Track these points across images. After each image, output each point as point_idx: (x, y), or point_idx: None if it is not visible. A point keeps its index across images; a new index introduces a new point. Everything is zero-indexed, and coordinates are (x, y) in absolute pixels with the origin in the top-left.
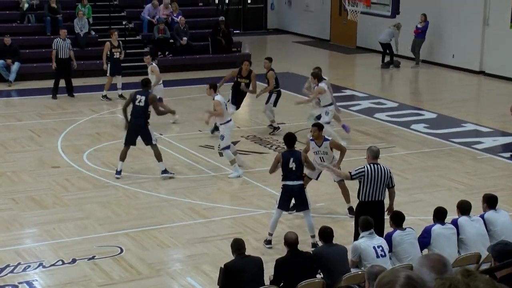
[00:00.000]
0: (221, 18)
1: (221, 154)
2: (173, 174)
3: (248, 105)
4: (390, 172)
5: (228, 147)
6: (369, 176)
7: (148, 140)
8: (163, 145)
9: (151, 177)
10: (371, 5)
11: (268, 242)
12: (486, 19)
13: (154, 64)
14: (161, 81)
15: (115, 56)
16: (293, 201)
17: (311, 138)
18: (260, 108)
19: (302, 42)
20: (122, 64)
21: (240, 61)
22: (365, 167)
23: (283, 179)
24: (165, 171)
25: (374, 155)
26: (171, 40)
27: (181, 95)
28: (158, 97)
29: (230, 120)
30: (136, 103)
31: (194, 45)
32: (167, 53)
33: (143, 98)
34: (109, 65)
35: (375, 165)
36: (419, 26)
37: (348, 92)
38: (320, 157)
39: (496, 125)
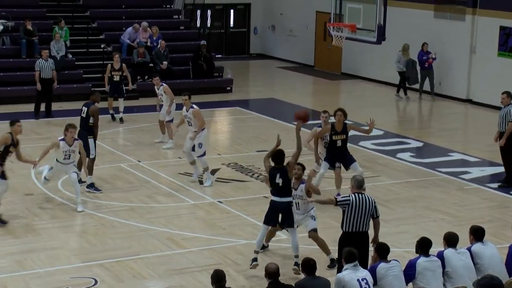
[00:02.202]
0: (203, 42)
1: (201, 182)
2: (101, 190)
3: (229, 131)
4: (374, 202)
5: (204, 155)
6: (354, 206)
7: (87, 151)
8: (142, 172)
9: (127, 205)
10: (357, 30)
11: (254, 259)
12: (473, 46)
13: (165, 84)
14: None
15: (114, 79)
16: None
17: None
18: (242, 136)
19: (286, 67)
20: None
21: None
22: (351, 196)
23: (271, 194)
24: (91, 185)
25: (358, 184)
26: (151, 64)
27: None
28: (169, 118)
29: (205, 128)
30: (81, 114)
31: (174, 70)
32: (146, 77)
33: (85, 109)
34: (109, 87)
35: (360, 195)
36: (433, 56)
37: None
38: (296, 202)
39: (483, 154)
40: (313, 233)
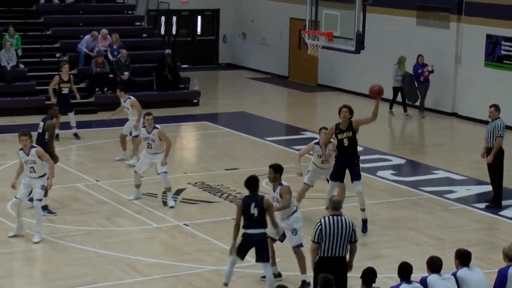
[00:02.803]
0: (167, 51)
1: (165, 203)
2: (55, 213)
3: (196, 148)
4: (353, 225)
5: (167, 172)
6: (327, 229)
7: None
8: (100, 193)
9: (84, 229)
10: (334, 39)
11: None
12: (458, 56)
13: (132, 97)
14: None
15: (63, 92)
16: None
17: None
18: (209, 152)
19: (258, 78)
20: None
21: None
22: (320, 221)
23: (244, 227)
24: (44, 207)
25: (334, 205)
26: (111, 75)
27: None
28: (136, 134)
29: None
30: (38, 129)
31: (136, 81)
32: (105, 89)
33: (42, 124)
34: (56, 101)
35: (335, 217)
36: (430, 69)
37: (307, 134)
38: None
39: (470, 172)
40: (295, 249)
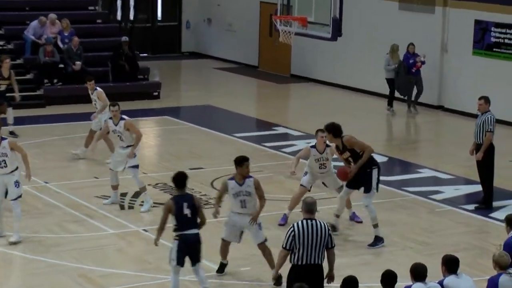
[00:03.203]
0: (124, 38)
1: (122, 207)
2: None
3: (156, 145)
4: (329, 230)
5: (138, 166)
6: (301, 235)
7: None
8: (50, 196)
9: (32, 236)
10: (308, 24)
11: None
12: (444, 44)
13: (99, 89)
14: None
15: (0, 89)
16: None
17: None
18: (172, 150)
19: (225, 68)
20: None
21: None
22: (293, 226)
23: (178, 229)
24: None
25: (308, 208)
26: (61, 65)
27: (73, 133)
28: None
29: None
30: None
31: (90, 71)
32: (55, 80)
33: None
34: None
35: (309, 221)
36: (422, 59)
37: (280, 130)
38: (241, 200)
39: (458, 170)
40: (261, 246)
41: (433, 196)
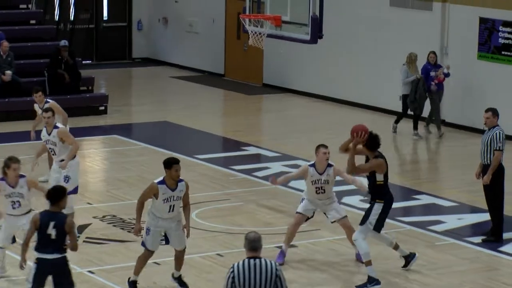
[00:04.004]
0: (63, 42)
1: None
2: None
3: (103, 170)
4: (277, 270)
5: (75, 192)
6: (241, 277)
7: None
8: None
9: None
10: (283, 25)
11: None
12: (443, 46)
13: (51, 101)
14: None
15: None
16: None
17: None
18: (121, 176)
19: (184, 77)
20: None
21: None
22: (233, 267)
23: (37, 250)
24: None
25: (250, 245)
26: None
27: (2, 157)
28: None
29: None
30: None
31: (22, 82)
32: None
33: None
34: None
35: (252, 261)
36: (446, 71)
37: (251, 150)
38: (170, 206)
39: (461, 197)
40: (181, 252)
41: (433, 227)
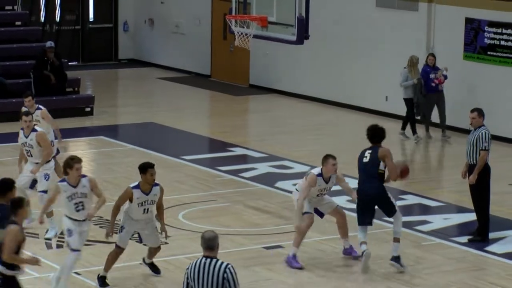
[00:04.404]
0: (49, 43)
1: (49, 246)
2: None
3: (89, 171)
4: (225, 273)
5: (46, 191)
6: (194, 276)
7: None
8: None
9: None
10: (269, 25)
11: None
12: (430, 46)
13: (43, 108)
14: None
15: None
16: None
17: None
18: (108, 177)
19: (171, 78)
20: None
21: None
22: (189, 265)
23: None
24: None
25: (206, 244)
26: None
27: None
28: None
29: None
30: None
31: (7, 84)
32: None
33: None
34: None
35: (207, 260)
36: (445, 72)
37: (238, 151)
38: (144, 209)
39: (447, 196)
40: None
41: (419, 227)
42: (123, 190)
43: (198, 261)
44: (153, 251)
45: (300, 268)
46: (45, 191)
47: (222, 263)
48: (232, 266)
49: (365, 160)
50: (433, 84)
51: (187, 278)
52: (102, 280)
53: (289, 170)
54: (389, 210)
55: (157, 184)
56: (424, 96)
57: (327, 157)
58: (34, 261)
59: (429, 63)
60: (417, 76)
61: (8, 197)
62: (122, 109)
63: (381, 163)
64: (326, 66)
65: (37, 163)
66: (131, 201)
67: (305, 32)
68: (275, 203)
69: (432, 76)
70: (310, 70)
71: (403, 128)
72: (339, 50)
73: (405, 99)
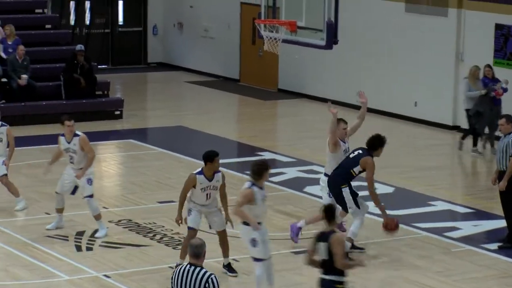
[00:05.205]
0: (79, 47)
1: (79, 248)
2: None
3: (118, 174)
4: (207, 283)
5: (92, 195)
6: (177, 282)
7: None
8: None
9: None
10: (298, 30)
11: None
12: (459, 52)
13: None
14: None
15: None
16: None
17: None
18: (137, 180)
19: (199, 82)
20: None
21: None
22: (175, 270)
23: None
24: None
25: (193, 252)
26: (4, 79)
27: (18, 161)
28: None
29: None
30: None
31: (38, 86)
32: None
33: None
34: None
35: (191, 268)
36: (505, 85)
37: (266, 155)
38: (207, 194)
39: (477, 203)
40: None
41: (449, 234)
42: (152, 192)
43: (183, 267)
44: (223, 240)
45: (294, 241)
46: (91, 196)
47: (205, 272)
48: (215, 277)
49: (351, 155)
50: (491, 96)
51: (171, 283)
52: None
53: (317, 175)
54: (342, 206)
55: (219, 171)
56: (491, 109)
57: (339, 121)
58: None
59: (487, 75)
60: (478, 87)
61: None
62: (151, 113)
63: (358, 167)
64: (355, 71)
65: (79, 169)
66: (194, 186)
67: (334, 37)
68: (304, 207)
69: (492, 88)
70: (338, 75)
71: (474, 144)
72: (368, 55)
73: (467, 110)
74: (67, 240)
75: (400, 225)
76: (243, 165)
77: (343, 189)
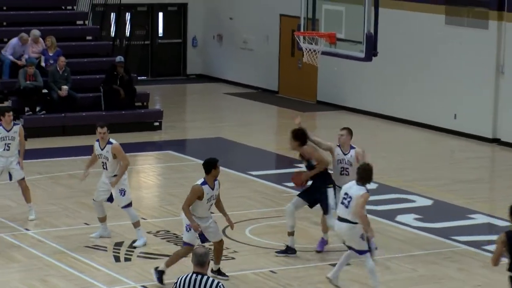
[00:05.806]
0: (119, 58)
1: (117, 258)
2: None
3: (157, 185)
4: None
5: (131, 205)
6: None
7: None
8: (31, 245)
9: None
10: (337, 42)
11: None
12: (500, 65)
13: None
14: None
15: None
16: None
17: None
18: (175, 192)
19: (238, 94)
20: None
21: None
22: (178, 280)
23: None
24: None
25: (197, 260)
26: (45, 90)
27: (58, 171)
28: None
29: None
30: None
31: (78, 97)
32: (38, 108)
33: None
34: None
35: (197, 277)
36: None
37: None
38: (211, 205)
39: None
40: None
41: (488, 247)
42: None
43: (188, 276)
44: (218, 249)
45: (318, 252)
46: (127, 205)
47: (213, 280)
48: (222, 285)
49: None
50: None
51: None
52: (160, 273)
53: None
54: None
55: (216, 179)
56: None
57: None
58: None
59: None
60: None
61: None
62: (190, 124)
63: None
64: (394, 83)
65: (113, 176)
66: (200, 198)
67: (374, 49)
68: None
69: None
70: (378, 87)
71: None
72: (407, 67)
73: None
74: (106, 250)
75: (438, 238)
76: (280, 177)
77: (329, 192)
